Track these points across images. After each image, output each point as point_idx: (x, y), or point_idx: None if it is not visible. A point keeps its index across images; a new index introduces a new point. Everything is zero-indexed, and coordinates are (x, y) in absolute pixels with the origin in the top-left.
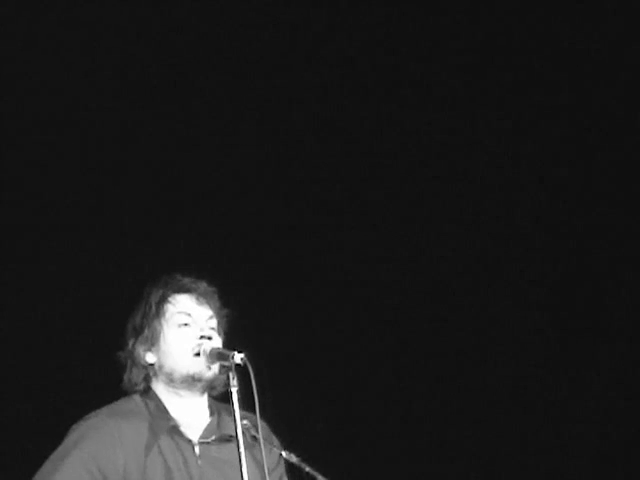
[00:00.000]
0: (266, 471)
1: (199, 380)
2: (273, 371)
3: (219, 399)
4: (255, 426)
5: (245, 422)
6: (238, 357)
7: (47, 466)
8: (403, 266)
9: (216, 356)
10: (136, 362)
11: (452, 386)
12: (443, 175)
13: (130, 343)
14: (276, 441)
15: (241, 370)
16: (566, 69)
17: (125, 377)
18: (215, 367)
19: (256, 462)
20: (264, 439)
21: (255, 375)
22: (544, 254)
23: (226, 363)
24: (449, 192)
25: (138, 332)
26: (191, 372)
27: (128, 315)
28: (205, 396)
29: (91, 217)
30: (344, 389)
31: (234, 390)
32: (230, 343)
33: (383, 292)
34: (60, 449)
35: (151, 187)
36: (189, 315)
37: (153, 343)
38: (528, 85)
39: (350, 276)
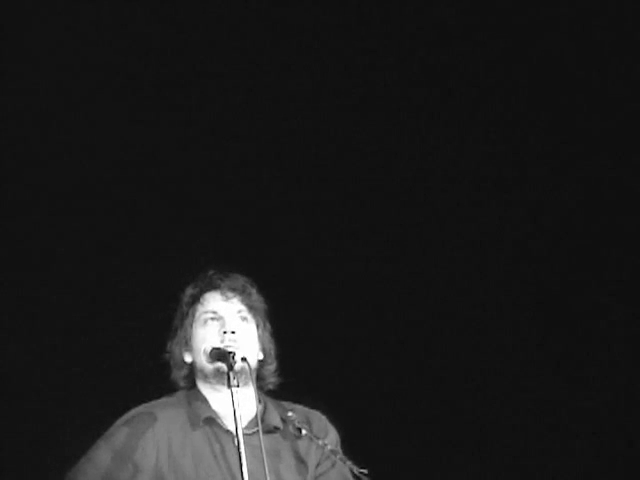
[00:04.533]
0: (264, 465)
1: (224, 373)
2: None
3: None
4: (307, 419)
5: (290, 414)
6: (238, 357)
7: (85, 456)
8: (403, 266)
9: (215, 356)
10: (176, 362)
11: (451, 385)
12: (441, 175)
13: (169, 344)
14: (332, 435)
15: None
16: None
17: (170, 377)
18: (208, 363)
19: (298, 455)
20: (316, 432)
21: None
22: (543, 252)
23: (225, 363)
24: (446, 192)
25: (175, 333)
26: (216, 366)
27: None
28: (249, 387)
29: (126, 219)
30: (344, 388)
31: (234, 390)
32: (279, 332)
33: (382, 291)
34: (98, 440)
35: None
36: (214, 312)
37: (187, 343)
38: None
39: (350, 275)
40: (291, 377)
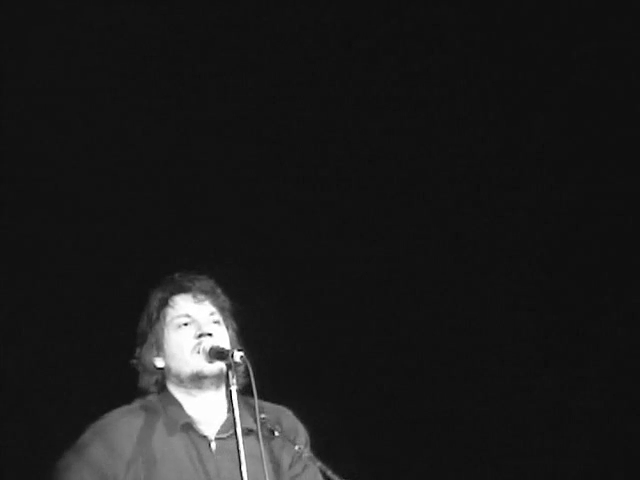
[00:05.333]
0: (264, 464)
1: (204, 377)
2: (274, 370)
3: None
4: (276, 418)
5: (264, 416)
6: (237, 355)
7: (61, 463)
8: (402, 266)
9: (215, 354)
10: (146, 368)
11: (451, 385)
12: (440, 174)
13: (138, 350)
14: (302, 434)
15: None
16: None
17: (139, 383)
18: (207, 362)
19: (273, 457)
20: (287, 432)
21: (255, 373)
22: (542, 254)
23: (225, 361)
24: (446, 192)
25: (144, 339)
26: (195, 370)
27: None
28: (221, 391)
29: (97, 216)
30: (344, 387)
31: (234, 389)
32: (242, 336)
33: (382, 291)
34: (74, 447)
35: (154, 187)
36: (188, 316)
37: (159, 348)
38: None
39: (350, 275)
40: (292, 376)
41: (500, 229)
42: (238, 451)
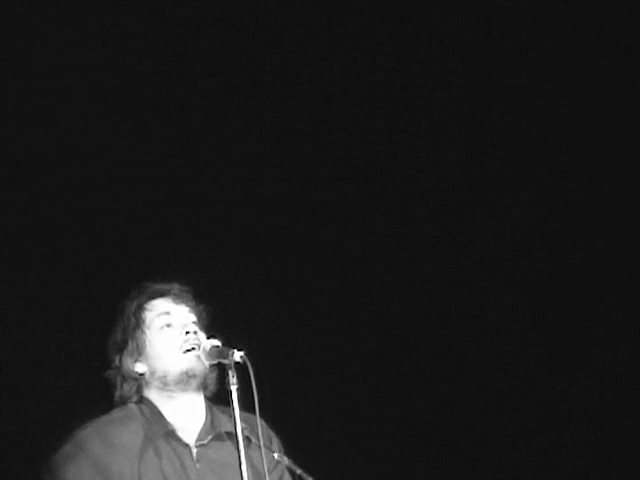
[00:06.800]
0: (266, 472)
1: (193, 376)
2: (272, 370)
3: (212, 399)
4: (251, 426)
5: (243, 424)
6: (237, 355)
7: (60, 455)
8: (403, 267)
9: (215, 354)
10: (126, 376)
11: (450, 386)
12: (441, 177)
13: (116, 359)
14: (275, 441)
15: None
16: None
17: (116, 394)
18: (207, 362)
19: (251, 464)
20: (264, 439)
21: (254, 373)
22: (542, 254)
23: (225, 361)
24: (446, 193)
25: (122, 346)
26: (184, 369)
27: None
28: (200, 396)
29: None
30: (343, 388)
31: (234, 388)
32: (238, 336)
33: (381, 291)
34: (73, 441)
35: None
36: (168, 314)
37: (140, 353)
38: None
39: (349, 275)
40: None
41: (500, 229)
42: (238, 451)
